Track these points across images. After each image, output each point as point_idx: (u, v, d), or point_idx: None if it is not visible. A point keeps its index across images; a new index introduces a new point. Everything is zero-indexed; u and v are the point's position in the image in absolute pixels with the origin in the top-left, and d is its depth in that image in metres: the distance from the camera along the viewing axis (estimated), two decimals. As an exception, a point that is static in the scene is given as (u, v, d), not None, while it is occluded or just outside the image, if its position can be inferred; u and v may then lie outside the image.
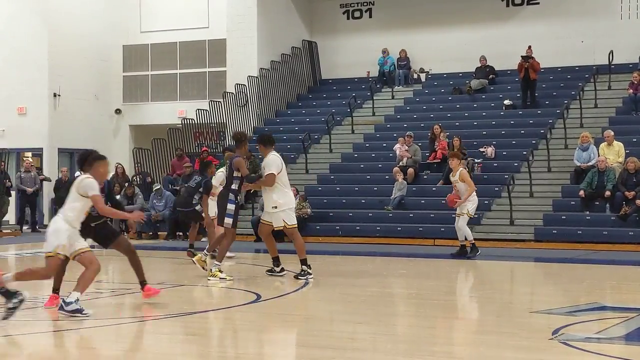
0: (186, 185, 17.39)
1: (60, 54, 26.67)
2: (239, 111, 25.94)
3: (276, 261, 12.69)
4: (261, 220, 12.67)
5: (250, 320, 9.41)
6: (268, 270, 12.84)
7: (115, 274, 13.94)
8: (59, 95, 26.60)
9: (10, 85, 26.40)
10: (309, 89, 28.11)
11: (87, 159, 9.35)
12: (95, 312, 9.09)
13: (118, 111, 28.73)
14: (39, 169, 25.73)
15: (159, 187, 22.33)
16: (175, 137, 25.54)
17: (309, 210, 20.53)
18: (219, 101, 26.03)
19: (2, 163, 24.85)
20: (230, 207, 12.13)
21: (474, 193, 15.83)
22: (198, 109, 25.93)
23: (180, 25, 27.70)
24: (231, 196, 12.16)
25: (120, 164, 24.06)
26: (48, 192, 25.58)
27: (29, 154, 26.85)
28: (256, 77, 26.17)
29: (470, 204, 15.77)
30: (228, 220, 12.18)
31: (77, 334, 8.41)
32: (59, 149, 26.91)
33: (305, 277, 12.25)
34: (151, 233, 21.80)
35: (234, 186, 12.20)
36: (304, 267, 12.33)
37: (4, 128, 26.27)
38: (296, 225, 12.43)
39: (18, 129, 26.33)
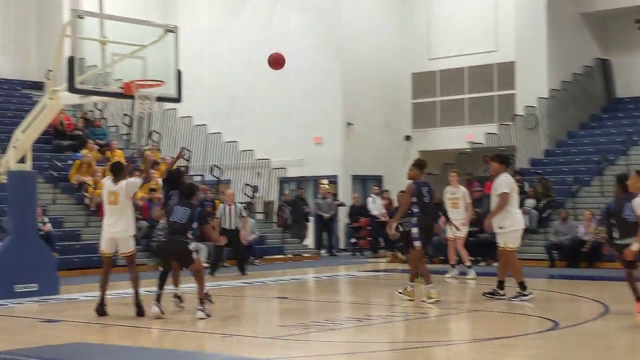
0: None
1: (352, 84, 27.68)
2: (528, 134, 25.54)
3: (501, 284, 12.65)
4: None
5: (550, 348, 9.19)
6: (488, 293, 12.72)
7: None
8: (352, 124, 27.59)
9: (308, 116, 27.79)
10: (603, 108, 27.11)
11: None
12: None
13: (408, 138, 29.26)
14: (335, 195, 26.78)
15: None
16: (465, 162, 25.59)
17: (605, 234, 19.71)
18: (508, 124, 25.78)
19: (302, 190, 26.18)
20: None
21: None
22: (487, 133, 25.82)
23: (467, 50, 27.77)
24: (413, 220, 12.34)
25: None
26: (343, 217, 26.55)
27: (325, 181, 28.04)
28: (546, 98, 25.67)
29: None
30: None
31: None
32: (352, 175, 27.88)
33: (518, 299, 12.22)
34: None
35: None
36: (520, 290, 12.32)
37: (303, 157, 27.60)
38: (516, 249, 12.47)
39: (315, 158, 27.58)
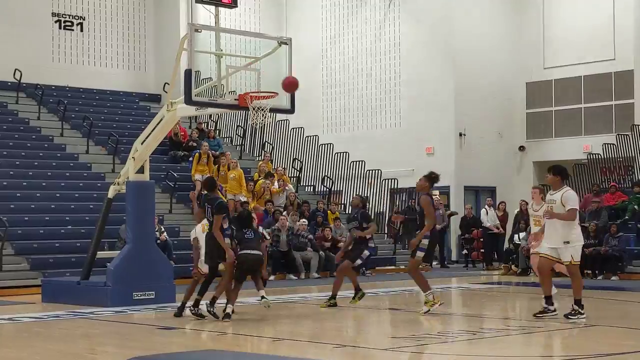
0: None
1: (465, 93, 27.46)
2: (648, 144, 24.80)
3: (549, 300, 12.06)
4: (541, 255, 12.02)
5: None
6: (539, 313, 12.03)
7: (524, 311, 13.93)
8: (465, 135, 27.33)
9: (419, 126, 27.70)
10: None
11: None
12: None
13: (522, 148, 28.80)
14: (447, 207, 26.56)
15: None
16: (581, 173, 25.02)
17: None
18: (626, 134, 25.09)
19: (413, 201, 26.05)
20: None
21: None
22: (604, 144, 25.20)
23: (584, 59, 27.18)
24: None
25: (524, 201, 24.05)
26: (455, 228, 26.30)
27: (437, 192, 27.82)
28: (667, 107, 24.88)
29: None
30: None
31: None
32: (464, 186, 27.61)
33: (576, 317, 11.62)
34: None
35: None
36: (576, 307, 11.71)
37: (414, 168, 27.46)
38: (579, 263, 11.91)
39: (426, 169, 27.17)
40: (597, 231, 20.82)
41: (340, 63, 29.93)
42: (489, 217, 24.39)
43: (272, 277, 20.10)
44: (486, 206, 24.88)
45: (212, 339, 10.74)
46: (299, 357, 9.04)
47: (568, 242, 11.67)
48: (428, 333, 10.88)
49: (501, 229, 24.37)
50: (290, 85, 12.93)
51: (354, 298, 14.04)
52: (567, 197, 11.76)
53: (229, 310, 11.88)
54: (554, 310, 12.05)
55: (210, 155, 23.46)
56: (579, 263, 11.84)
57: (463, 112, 27.39)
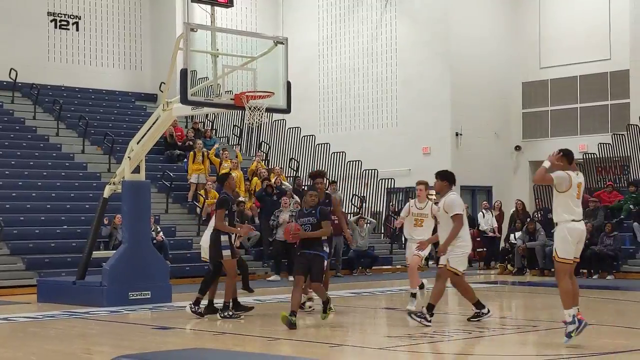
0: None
1: (462, 93, 27.46)
2: (644, 144, 24.83)
3: (479, 304, 11.68)
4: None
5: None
6: (473, 317, 11.60)
7: (519, 310, 13.94)
8: (461, 134, 27.34)
9: (416, 126, 27.70)
10: None
11: None
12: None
13: (518, 148, 28.82)
14: (443, 206, 26.51)
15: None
16: (577, 173, 24.98)
17: None
18: (622, 134, 25.11)
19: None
20: None
21: None
22: (600, 143, 25.22)
23: (580, 58, 27.20)
24: None
25: (520, 200, 24.11)
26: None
27: (433, 192, 27.79)
28: (663, 107, 24.90)
29: None
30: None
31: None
32: (461, 186, 27.58)
33: (420, 322, 11.07)
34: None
35: None
36: (424, 312, 11.17)
37: (410, 167, 27.49)
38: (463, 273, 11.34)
39: (423, 168, 27.37)
40: (592, 230, 20.86)
41: (337, 63, 29.92)
42: (485, 221, 24.39)
43: (274, 277, 20.11)
44: (483, 210, 24.87)
45: (208, 339, 10.73)
46: (288, 356, 9.04)
47: (452, 246, 11.15)
48: (424, 332, 10.88)
49: (497, 232, 24.37)
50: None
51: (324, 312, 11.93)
52: (450, 203, 11.25)
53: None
54: (488, 312, 11.64)
55: (205, 153, 23.45)
56: (457, 272, 11.24)
57: (459, 112, 27.40)
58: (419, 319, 11.12)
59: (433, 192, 24.94)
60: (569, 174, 9.87)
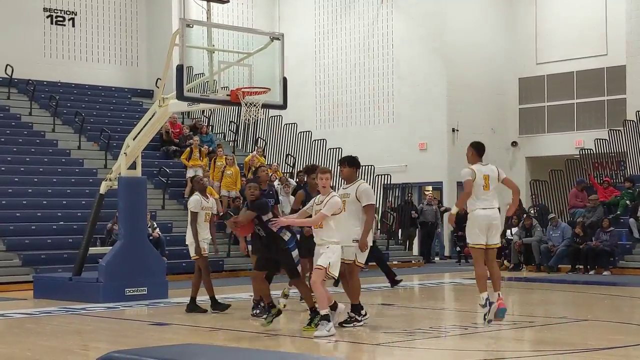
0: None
1: (458, 89, 27.46)
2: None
3: (355, 308, 10.83)
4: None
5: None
6: (345, 322, 10.70)
7: (515, 305, 13.95)
8: (457, 130, 27.34)
9: (412, 122, 27.71)
10: None
11: None
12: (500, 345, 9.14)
13: (514, 144, 28.83)
14: (440, 202, 26.56)
15: (553, 216, 22.20)
16: (573, 168, 25.05)
17: None
18: (618, 130, 25.13)
19: (410, 195, 26.11)
20: None
21: None
22: (596, 139, 25.24)
23: (576, 54, 27.22)
24: None
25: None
26: (448, 224, 26.30)
27: (429, 188, 27.85)
28: (660, 102, 24.92)
29: None
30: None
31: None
32: (457, 182, 27.60)
33: (352, 325, 10.59)
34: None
35: None
36: (352, 314, 10.65)
37: (407, 163, 27.50)
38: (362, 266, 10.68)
39: (419, 164, 27.46)
40: (586, 227, 20.96)
41: (333, 59, 29.91)
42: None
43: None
44: (480, 207, 24.84)
45: (204, 335, 10.73)
46: (280, 351, 9.04)
47: (357, 241, 10.53)
48: (420, 328, 10.88)
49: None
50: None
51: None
52: (364, 192, 10.62)
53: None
54: (365, 315, 10.87)
55: (202, 150, 23.44)
56: (362, 265, 10.67)
57: (456, 108, 27.40)
58: (352, 325, 10.61)
59: (429, 188, 24.83)
60: (472, 168, 10.74)
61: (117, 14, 28.80)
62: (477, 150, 10.98)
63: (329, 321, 9.78)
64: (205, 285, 12.55)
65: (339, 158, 26.55)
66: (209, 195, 13.27)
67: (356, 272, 10.69)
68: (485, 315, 10.40)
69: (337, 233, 9.99)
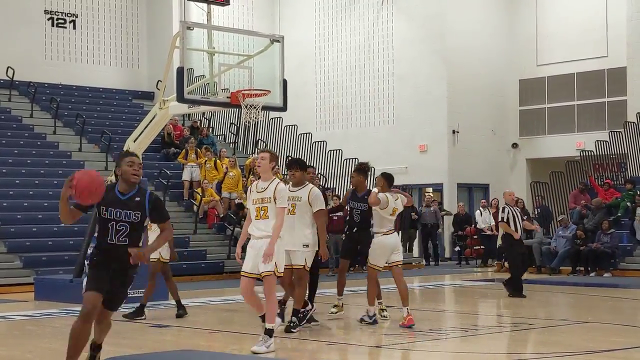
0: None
1: (458, 91, 27.46)
2: (641, 141, 24.88)
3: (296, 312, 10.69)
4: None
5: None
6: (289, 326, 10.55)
7: (516, 307, 13.95)
8: (458, 132, 27.34)
9: (412, 124, 27.70)
10: None
11: None
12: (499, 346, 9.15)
13: (515, 145, 28.83)
14: (440, 204, 26.56)
15: (563, 217, 22.20)
16: (574, 170, 25.05)
17: None
18: (619, 131, 25.14)
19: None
20: None
21: None
22: (597, 140, 25.24)
23: (577, 56, 27.22)
24: None
25: (519, 199, 24.10)
26: (448, 225, 26.32)
27: (430, 190, 27.85)
28: (658, 104, 24.92)
29: None
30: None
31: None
32: (457, 184, 27.62)
33: (296, 330, 10.43)
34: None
35: None
36: (294, 319, 10.52)
37: (407, 165, 27.49)
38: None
39: (419, 166, 27.45)
40: (587, 229, 20.98)
41: (333, 60, 29.91)
42: (483, 219, 24.39)
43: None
44: (480, 207, 24.87)
45: (204, 337, 10.73)
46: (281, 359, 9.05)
47: (307, 246, 10.42)
48: (420, 330, 10.89)
49: (494, 230, 24.37)
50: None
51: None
52: (317, 196, 10.50)
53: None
54: (316, 321, 11.03)
55: (198, 151, 23.53)
56: (307, 268, 10.52)
57: (456, 110, 27.40)
58: (300, 327, 10.53)
59: (429, 189, 24.80)
60: (387, 196, 11.02)
61: (118, 16, 28.83)
62: (388, 180, 11.26)
63: (271, 336, 9.07)
64: (150, 290, 12.48)
65: (340, 160, 26.84)
66: None
67: (305, 278, 10.55)
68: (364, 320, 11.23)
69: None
